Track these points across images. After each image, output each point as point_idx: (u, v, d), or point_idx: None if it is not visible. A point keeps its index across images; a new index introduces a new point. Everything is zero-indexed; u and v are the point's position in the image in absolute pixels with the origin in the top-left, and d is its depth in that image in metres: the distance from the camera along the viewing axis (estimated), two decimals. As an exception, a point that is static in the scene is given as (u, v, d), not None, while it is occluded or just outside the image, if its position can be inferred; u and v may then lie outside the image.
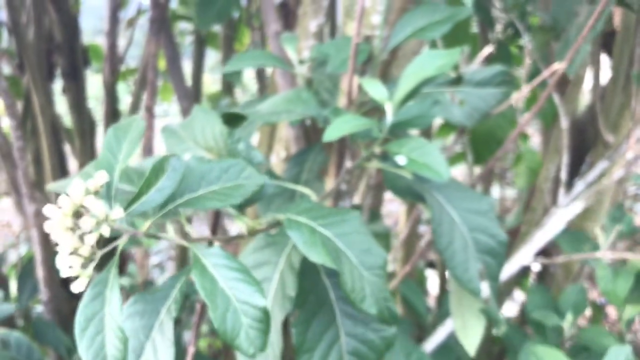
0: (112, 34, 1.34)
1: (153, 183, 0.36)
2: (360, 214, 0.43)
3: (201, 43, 1.19)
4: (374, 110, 0.66)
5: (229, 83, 1.44)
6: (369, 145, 0.53)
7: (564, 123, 1.04)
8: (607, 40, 1.34)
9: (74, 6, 1.80)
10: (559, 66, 0.66)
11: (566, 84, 1.39)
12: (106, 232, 0.34)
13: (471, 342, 0.59)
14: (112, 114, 1.36)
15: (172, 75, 1.09)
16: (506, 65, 1.30)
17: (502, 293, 1.34)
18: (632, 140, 0.99)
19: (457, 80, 0.70)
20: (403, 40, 0.64)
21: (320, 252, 0.39)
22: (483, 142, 1.25)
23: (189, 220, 0.45)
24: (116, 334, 0.35)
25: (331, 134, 0.48)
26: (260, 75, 1.38)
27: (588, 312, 1.43)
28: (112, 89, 1.34)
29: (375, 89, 0.50)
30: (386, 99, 0.50)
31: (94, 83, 1.63)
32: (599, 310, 1.42)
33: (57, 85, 1.34)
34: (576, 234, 1.01)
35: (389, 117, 0.51)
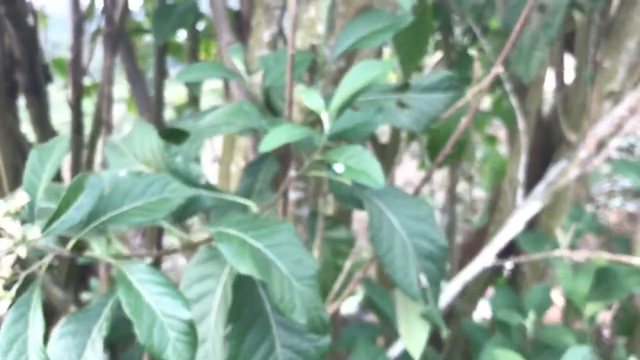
0: (76, 48, 1.34)
1: (72, 201, 0.36)
2: (292, 226, 0.43)
3: (162, 54, 1.19)
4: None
5: (195, 94, 1.44)
6: (309, 154, 0.54)
7: (521, 124, 1.05)
8: (569, 41, 1.36)
9: (42, 20, 1.79)
10: (497, 70, 0.67)
11: (527, 87, 1.41)
12: (23, 253, 0.34)
13: (415, 346, 0.59)
14: (78, 129, 1.36)
15: (133, 88, 1.09)
16: (465, 69, 1.31)
17: (474, 293, 1.36)
18: (587, 139, 1.01)
19: (404, 87, 0.71)
20: (348, 49, 0.65)
21: (249, 264, 0.39)
22: (443, 144, 1.27)
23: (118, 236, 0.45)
24: (39, 356, 0.35)
25: (267, 145, 0.48)
26: (227, 85, 1.38)
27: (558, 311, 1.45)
28: (77, 103, 1.34)
29: (311, 99, 0.51)
30: (322, 109, 0.51)
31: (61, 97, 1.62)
32: (571, 308, 1.44)
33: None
34: (537, 233, 1.02)
35: (327, 126, 0.52)
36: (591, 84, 1.10)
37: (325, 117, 0.51)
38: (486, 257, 0.99)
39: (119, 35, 0.98)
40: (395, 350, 0.98)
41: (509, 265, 1.09)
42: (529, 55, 0.89)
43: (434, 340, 1.30)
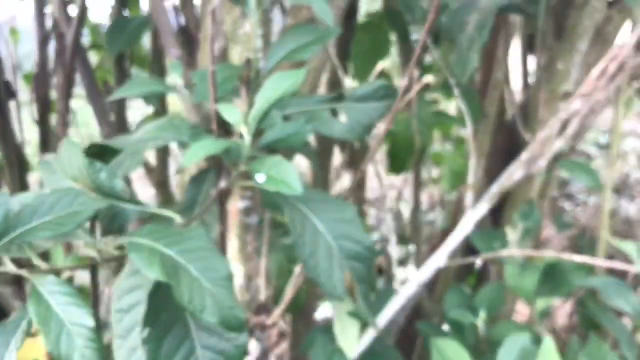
0: (42, 63, 1.36)
1: (-22, 219, 0.38)
2: (204, 232, 0.46)
3: (122, 66, 1.22)
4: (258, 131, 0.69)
5: (164, 105, 1.46)
6: (236, 165, 0.56)
7: (470, 129, 1.08)
8: (532, 42, 1.39)
9: (13, 35, 1.80)
10: (428, 80, 0.70)
11: (486, 88, 1.44)
12: None
13: (349, 344, 0.62)
14: (45, 144, 1.37)
15: (92, 103, 1.11)
16: (421, 74, 1.34)
17: (443, 294, 1.38)
18: (537, 139, 1.04)
19: (340, 98, 0.73)
20: (279, 62, 0.67)
21: (156, 270, 0.42)
22: (404, 148, 1.29)
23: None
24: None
25: (188, 159, 0.50)
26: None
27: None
28: (44, 119, 1.36)
29: (229, 114, 0.53)
30: (240, 122, 0.53)
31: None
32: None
33: None
34: (490, 232, 1.05)
35: (247, 138, 0.54)
36: (538, 87, 1.14)
37: (244, 131, 0.53)
38: (439, 258, 1.02)
39: (75, 52, 1.00)
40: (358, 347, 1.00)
41: (478, 263, 1.12)
42: (466, 57, 0.92)
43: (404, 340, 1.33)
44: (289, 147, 0.64)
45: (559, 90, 1.19)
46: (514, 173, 0.98)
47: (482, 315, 0.98)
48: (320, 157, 1.34)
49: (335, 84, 1.28)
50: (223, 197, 0.75)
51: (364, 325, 0.79)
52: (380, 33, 1.38)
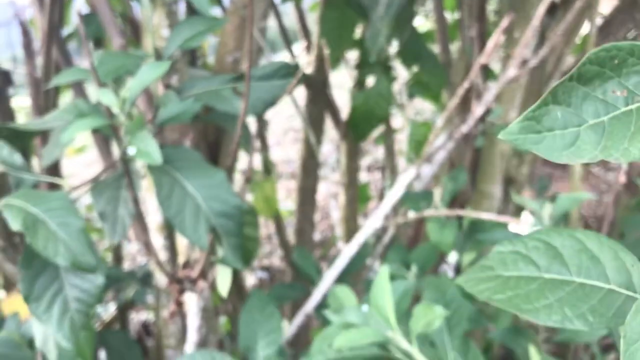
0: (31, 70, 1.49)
1: None
2: (64, 195, 0.58)
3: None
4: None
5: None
6: (119, 140, 0.68)
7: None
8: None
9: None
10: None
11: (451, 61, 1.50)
12: None
13: (222, 286, 0.73)
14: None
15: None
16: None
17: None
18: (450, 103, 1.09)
19: (241, 77, 0.83)
20: (177, 48, 0.78)
21: (18, 223, 0.54)
22: (364, 119, 1.38)
23: None
24: None
25: (66, 135, 0.62)
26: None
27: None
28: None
29: (105, 97, 0.65)
30: (114, 104, 0.64)
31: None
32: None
33: None
34: (419, 193, 1.13)
35: (122, 118, 0.66)
36: (470, 57, 1.20)
37: (116, 110, 0.64)
38: (375, 219, 1.11)
39: (47, 74, 1.10)
40: (309, 304, 1.11)
41: (392, 225, 1.20)
42: (378, 31, 1.00)
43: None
44: (180, 122, 0.75)
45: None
46: (435, 141, 1.06)
47: (414, 269, 1.07)
48: (314, 128, 1.45)
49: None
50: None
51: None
52: (346, 9, 1.45)
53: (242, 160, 1.65)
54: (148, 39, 0.83)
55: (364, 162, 2.77)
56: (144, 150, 0.63)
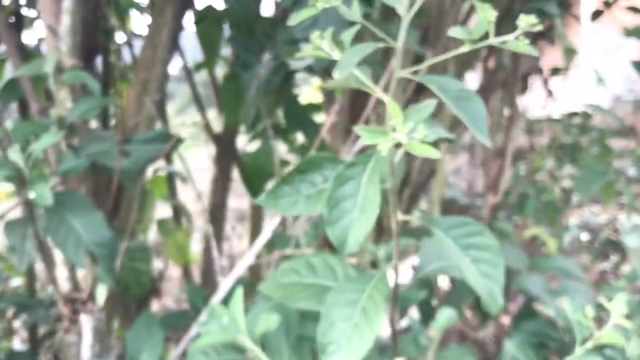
0: None
1: None
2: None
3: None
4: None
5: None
6: (22, 184, 0.91)
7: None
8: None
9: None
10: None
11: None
12: None
13: (100, 297, 0.97)
14: None
15: None
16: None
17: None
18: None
19: (127, 140, 1.08)
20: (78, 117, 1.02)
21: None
22: (255, 175, 1.63)
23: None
24: None
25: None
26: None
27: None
28: None
29: (13, 155, 0.88)
30: (20, 160, 0.88)
31: None
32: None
33: None
34: (287, 235, 1.39)
35: (26, 170, 0.89)
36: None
37: (21, 164, 0.88)
38: (248, 258, 1.35)
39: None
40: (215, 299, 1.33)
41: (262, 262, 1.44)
42: (248, 110, 1.27)
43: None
44: (76, 173, 0.99)
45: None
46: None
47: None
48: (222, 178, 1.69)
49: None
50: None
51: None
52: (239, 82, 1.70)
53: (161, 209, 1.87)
54: (55, 110, 1.07)
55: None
56: (40, 194, 0.86)
